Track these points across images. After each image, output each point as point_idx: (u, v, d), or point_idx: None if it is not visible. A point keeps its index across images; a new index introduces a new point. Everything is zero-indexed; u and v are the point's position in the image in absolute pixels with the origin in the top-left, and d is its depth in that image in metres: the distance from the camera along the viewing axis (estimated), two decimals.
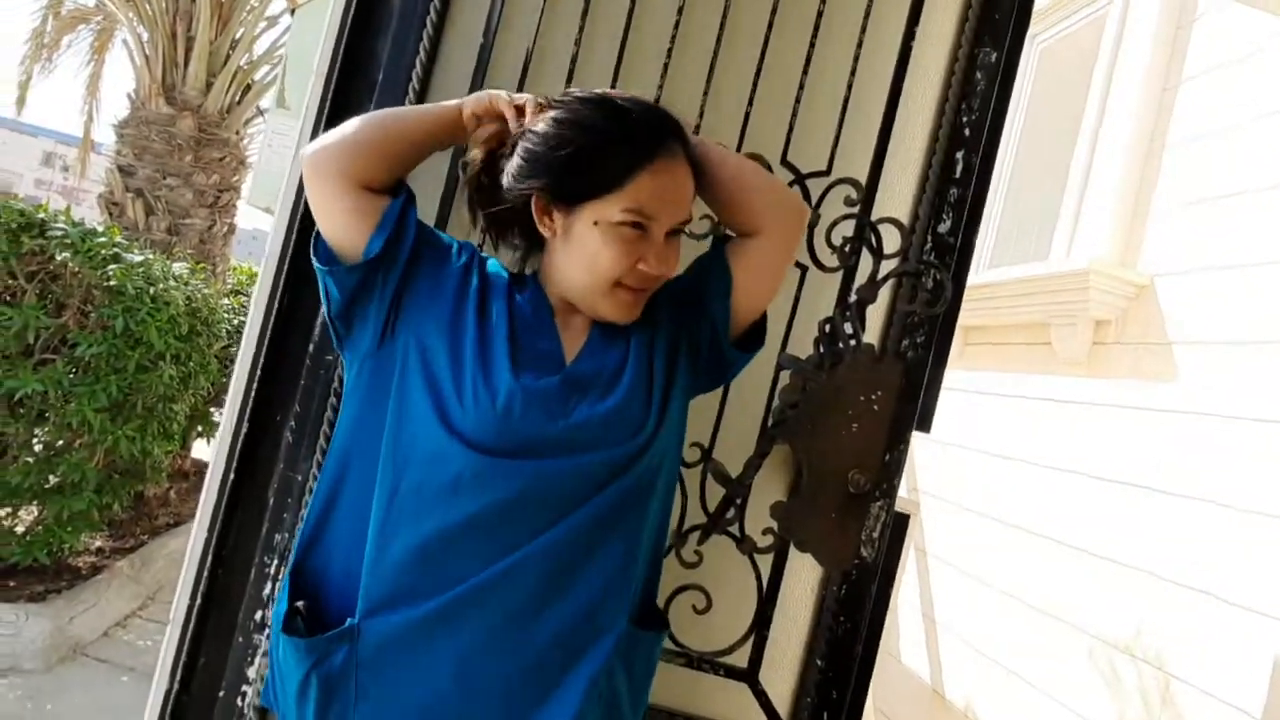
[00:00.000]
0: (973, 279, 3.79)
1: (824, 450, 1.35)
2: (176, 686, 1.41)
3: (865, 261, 1.39)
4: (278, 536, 1.39)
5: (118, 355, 3.14)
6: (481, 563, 0.95)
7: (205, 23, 5.67)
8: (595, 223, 0.98)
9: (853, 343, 1.36)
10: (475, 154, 1.07)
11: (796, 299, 1.40)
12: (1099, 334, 3.14)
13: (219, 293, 4.33)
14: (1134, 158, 3.18)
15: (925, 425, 1.42)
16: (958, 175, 1.41)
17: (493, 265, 1.09)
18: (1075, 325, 3.15)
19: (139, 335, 3.20)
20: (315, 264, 1.02)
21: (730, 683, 1.41)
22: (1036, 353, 3.44)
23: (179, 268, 3.76)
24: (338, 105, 1.42)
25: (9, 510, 3.33)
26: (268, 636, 1.38)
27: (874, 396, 1.36)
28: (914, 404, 1.39)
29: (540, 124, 1.00)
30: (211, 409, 4.36)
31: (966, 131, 1.42)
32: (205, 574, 1.41)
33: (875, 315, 1.44)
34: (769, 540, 1.38)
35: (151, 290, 3.28)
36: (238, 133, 6.12)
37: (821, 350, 1.37)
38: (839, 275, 1.40)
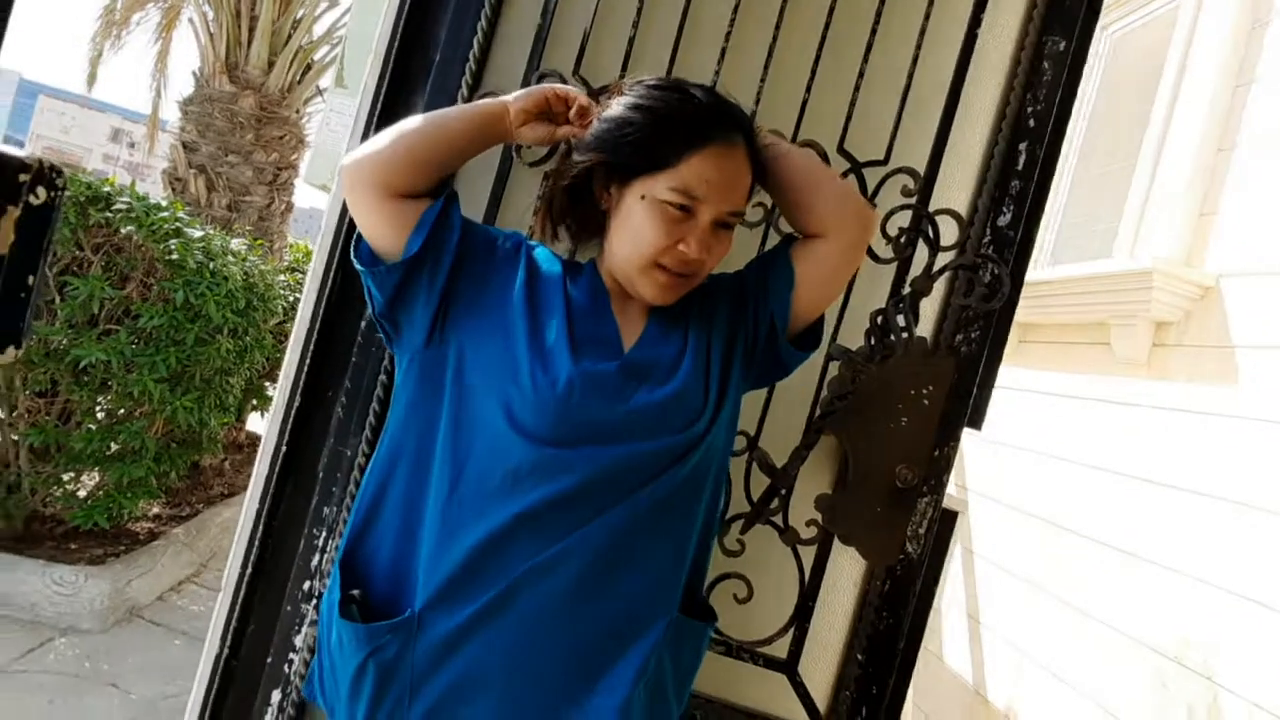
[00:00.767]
0: (1031, 275, 3.71)
1: (872, 443, 1.34)
2: (226, 652, 1.45)
3: (921, 253, 1.36)
4: (326, 510, 1.42)
5: (177, 327, 3.23)
6: (539, 550, 0.95)
7: (268, 3, 5.77)
8: (643, 197, 0.98)
9: (905, 335, 1.34)
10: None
11: (849, 289, 1.38)
12: (1160, 335, 3.05)
13: (275, 269, 4.42)
14: (1203, 155, 3.07)
15: (977, 422, 1.39)
16: (1020, 167, 1.37)
17: (542, 253, 1.09)
18: (1135, 326, 3.06)
19: (198, 308, 3.28)
20: (356, 265, 1.02)
21: (769, 673, 1.40)
22: (1094, 353, 3.35)
23: (237, 243, 3.84)
24: (395, 85, 1.43)
25: (72, 475, 3.45)
26: (315, 608, 1.41)
27: (925, 391, 1.33)
28: (966, 400, 1.37)
29: (612, 108, 1.01)
30: (266, 383, 4.46)
31: (1031, 122, 1.38)
32: (256, 544, 1.45)
33: (930, 308, 1.41)
34: (812, 532, 1.37)
35: (211, 265, 3.36)
36: (297, 111, 6.23)
37: (873, 342, 1.35)
38: (894, 266, 1.38)
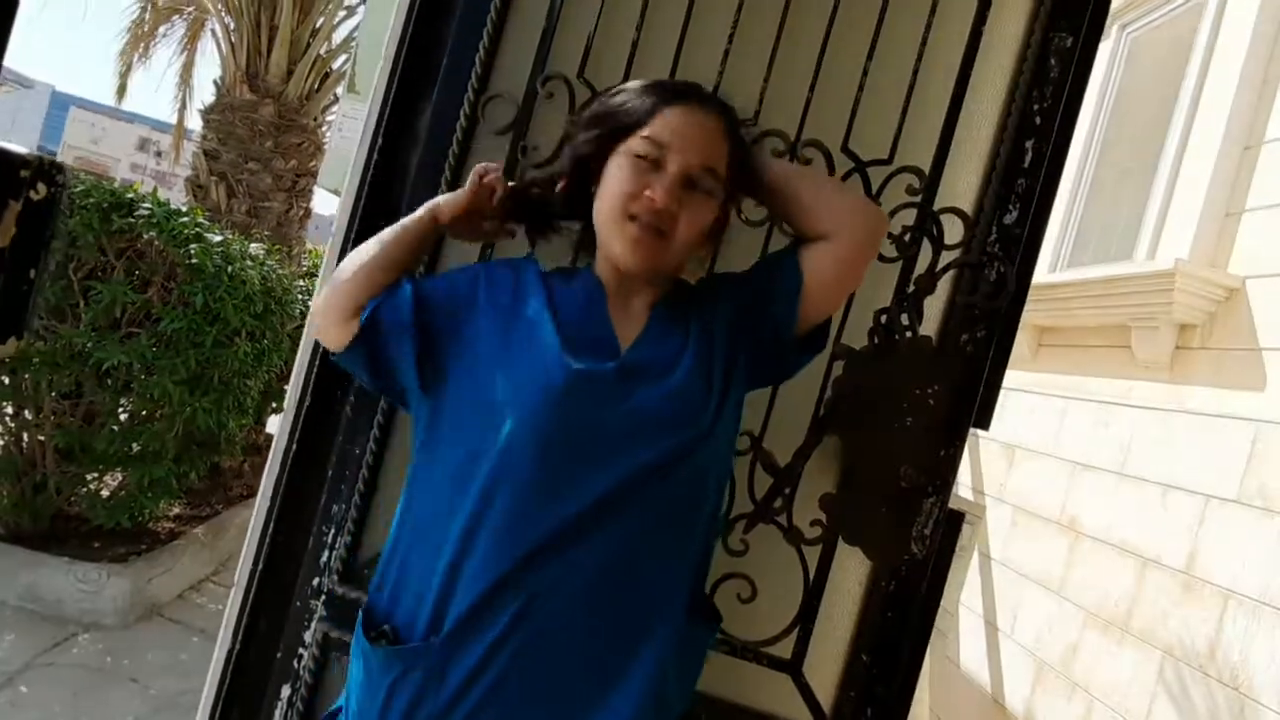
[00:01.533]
0: (1050, 278, 3.67)
1: (876, 443, 1.33)
2: (238, 646, 1.47)
3: (926, 252, 1.36)
4: (335, 507, 1.43)
5: (197, 331, 3.28)
6: (553, 565, 0.96)
7: (288, 12, 5.86)
8: (618, 156, 1.02)
9: (909, 335, 1.33)
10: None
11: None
12: (1183, 338, 3.01)
13: (293, 274, 4.47)
14: (1228, 154, 3.03)
15: (984, 422, 1.38)
16: (1026, 165, 1.36)
17: (528, 267, 1.11)
18: (1158, 328, 3.03)
19: (217, 312, 3.33)
20: (334, 359, 1.11)
21: (773, 673, 1.40)
22: (1115, 356, 3.31)
23: (255, 248, 3.90)
24: (404, 89, 1.44)
25: (96, 475, 3.50)
26: (324, 604, 1.42)
27: (930, 390, 1.33)
28: (972, 400, 1.36)
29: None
30: (284, 386, 4.51)
31: (1037, 120, 1.37)
32: (267, 540, 1.47)
33: (935, 308, 1.40)
34: (817, 532, 1.37)
35: (230, 269, 3.41)
36: (315, 119, 6.31)
37: (877, 341, 1.34)
38: (898, 265, 1.37)
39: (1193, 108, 3.24)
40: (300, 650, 1.44)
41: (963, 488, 4.06)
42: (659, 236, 1.01)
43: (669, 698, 1.04)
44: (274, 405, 4.46)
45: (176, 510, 4.15)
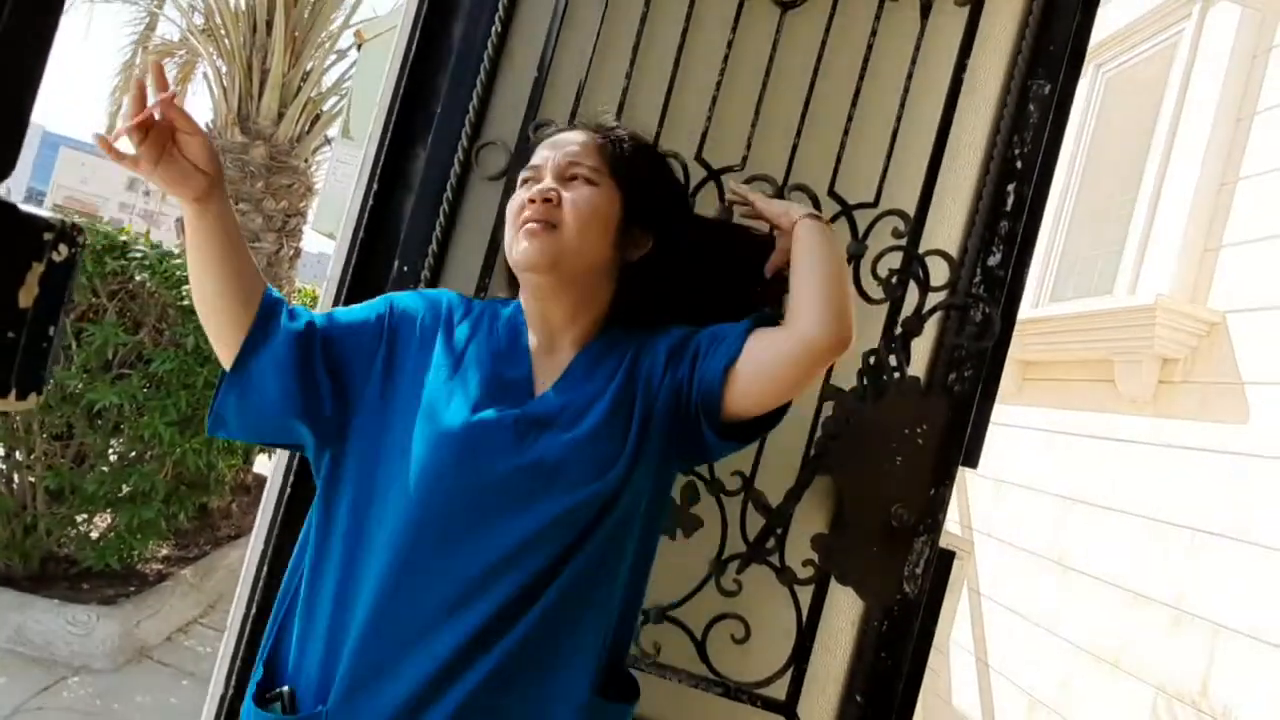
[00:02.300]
0: (1033, 313, 3.72)
1: (866, 483, 1.35)
2: (231, 692, 1.45)
3: (912, 294, 1.39)
4: None
5: (188, 371, 3.28)
6: (445, 642, 0.91)
7: (279, 56, 5.93)
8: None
9: (897, 375, 1.35)
10: None
11: None
12: (1165, 372, 3.04)
13: None
14: (1205, 190, 3.09)
15: (972, 461, 1.40)
16: (1009, 208, 1.40)
17: (447, 300, 1.09)
18: (1140, 363, 3.06)
19: (208, 353, 3.33)
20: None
21: (768, 715, 1.39)
22: (1099, 390, 3.34)
23: None
24: (399, 136, 1.47)
25: (86, 516, 3.48)
26: None
27: (919, 430, 1.34)
28: (960, 439, 1.37)
29: None
30: None
31: (1018, 164, 1.40)
32: (260, 585, 1.46)
33: (923, 349, 1.42)
34: (809, 572, 1.38)
35: None
36: (306, 161, 6.36)
37: (865, 382, 1.36)
38: (885, 307, 1.40)
39: (1168, 145, 3.32)
40: None
41: (951, 523, 4.07)
42: (549, 229, 1.00)
43: None
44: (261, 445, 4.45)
45: (165, 551, 4.12)
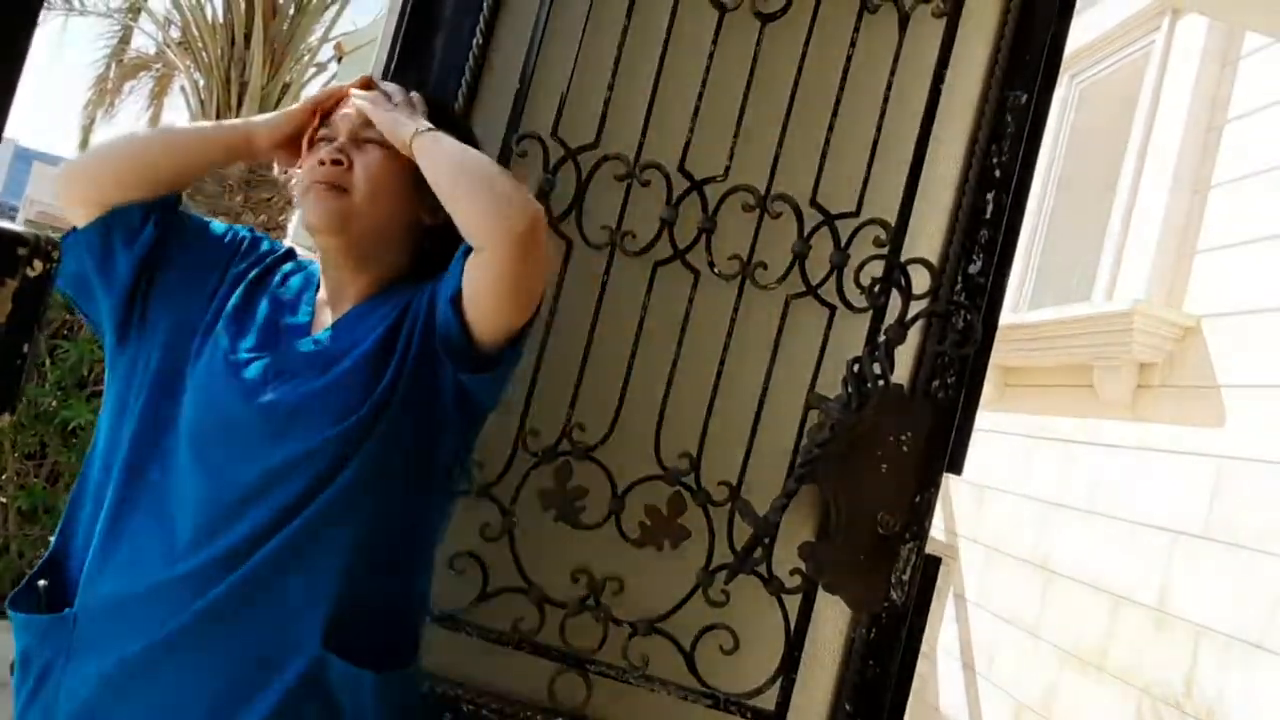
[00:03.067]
0: (1013, 319, 3.76)
1: (852, 491, 1.35)
2: None
3: (895, 302, 1.39)
4: None
5: None
6: (196, 549, 0.93)
7: (258, 69, 5.91)
8: None
9: (881, 383, 1.36)
10: None
11: (825, 338, 1.40)
12: (1143, 376, 3.08)
13: None
14: (1178, 197, 3.14)
15: (956, 467, 1.41)
16: (988, 216, 1.41)
17: (272, 246, 1.11)
18: (1119, 368, 3.10)
19: None
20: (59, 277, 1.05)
21: None
22: (1079, 395, 3.38)
23: None
24: None
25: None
26: None
27: (904, 437, 1.35)
28: (944, 445, 1.38)
29: None
30: None
31: (996, 173, 1.42)
32: None
33: (905, 356, 1.43)
34: (797, 581, 1.37)
35: None
36: (285, 174, 6.32)
37: (850, 390, 1.37)
38: (868, 315, 1.40)
39: (1142, 153, 3.37)
40: None
41: (935, 529, 4.08)
42: (339, 192, 1.00)
43: None
44: None
45: None
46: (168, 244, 1.04)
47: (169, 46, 6.29)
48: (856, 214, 1.40)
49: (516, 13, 1.45)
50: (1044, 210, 4.06)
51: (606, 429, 1.39)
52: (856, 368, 1.37)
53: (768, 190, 1.41)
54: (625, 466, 1.39)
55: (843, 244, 1.40)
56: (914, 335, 1.42)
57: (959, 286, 1.41)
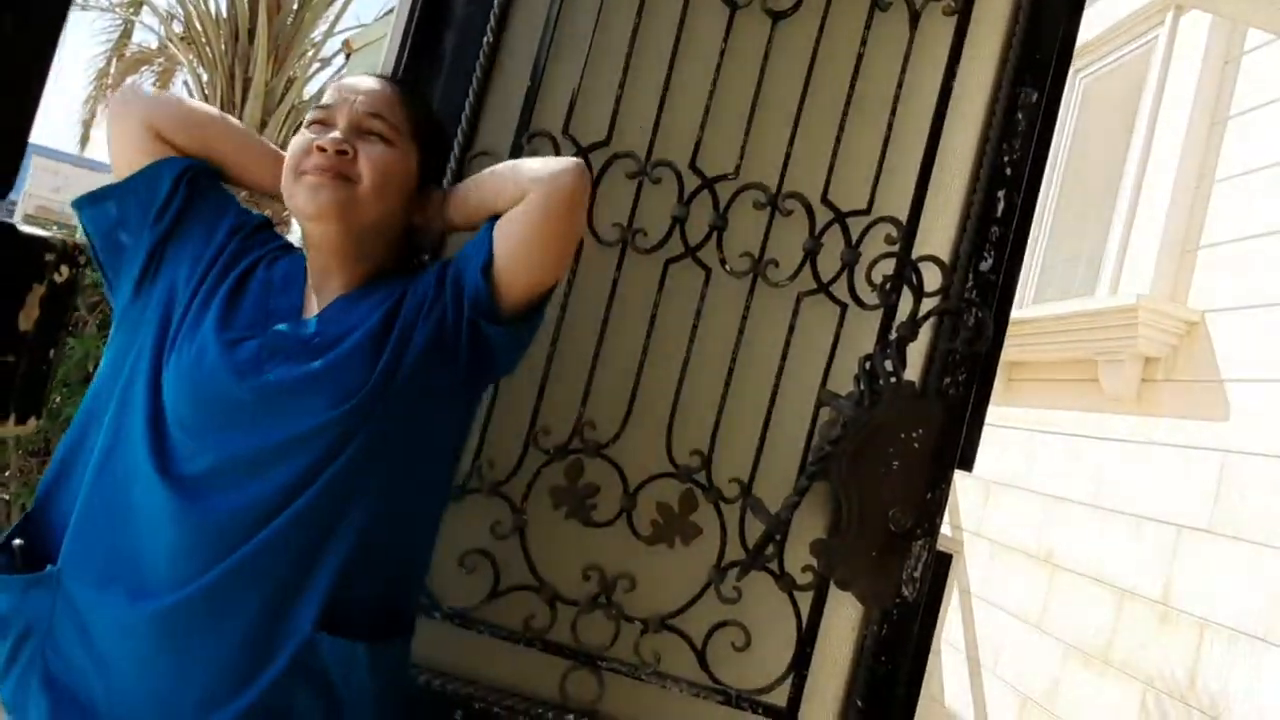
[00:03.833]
0: (1017, 314, 3.76)
1: (864, 488, 1.35)
2: None
3: (906, 300, 1.39)
4: None
5: None
6: (169, 551, 0.93)
7: (262, 64, 5.89)
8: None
9: (893, 380, 1.36)
10: None
11: (837, 336, 1.40)
12: (1148, 371, 3.09)
13: None
14: (1182, 192, 3.14)
15: (967, 464, 1.41)
16: (999, 214, 1.41)
17: (269, 231, 1.13)
18: (1123, 362, 3.10)
19: None
20: (83, 204, 1.06)
21: None
22: (1083, 390, 3.38)
23: None
24: None
25: None
26: None
27: (915, 434, 1.35)
28: (955, 442, 1.39)
29: None
30: None
31: (1008, 171, 1.42)
32: None
33: (917, 353, 1.43)
34: (809, 578, 1.38)
35: None
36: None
37: (861, 388, 1.37)
38: (880, 313, 1.40)
39: (1146, 149, 3.36)
40: None
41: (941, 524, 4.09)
42: (343, 180, 1.00)
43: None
44: None
45: None
46: (198, 206, 1.06)
47: (171, 41, 6.27)
48: (868, 211, 1.40)
49: (527, 10, 1.45)
50: (1048, 205, 4.06)
51: (618, 426, 1.39)
52: (868, 365, 1.37)
53: (779, 188, 1.41)
54: (636, 464, 1.40)
55: (854, 241, 1.40)
56: (925, 333, 1.42)
57: (970, 284, 1.41)
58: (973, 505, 3.93)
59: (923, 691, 3.79)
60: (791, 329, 1.41)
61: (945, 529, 4.02)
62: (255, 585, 0.94)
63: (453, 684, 1.37)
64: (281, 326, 1.00)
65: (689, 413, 1.40)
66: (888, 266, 1.40)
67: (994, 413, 3.78)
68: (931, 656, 3.84)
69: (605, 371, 1.40)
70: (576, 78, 1.42)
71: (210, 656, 0.93)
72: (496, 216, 1.07)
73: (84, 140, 9.11)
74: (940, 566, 1.39)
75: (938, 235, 1.44)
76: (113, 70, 8.24)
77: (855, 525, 1.36)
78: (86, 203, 1.04)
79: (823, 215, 1.41)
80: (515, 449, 1.39)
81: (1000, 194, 1.41)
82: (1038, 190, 1.44)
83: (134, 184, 1.03)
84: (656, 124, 1.41)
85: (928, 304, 1.39)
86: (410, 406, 1.01)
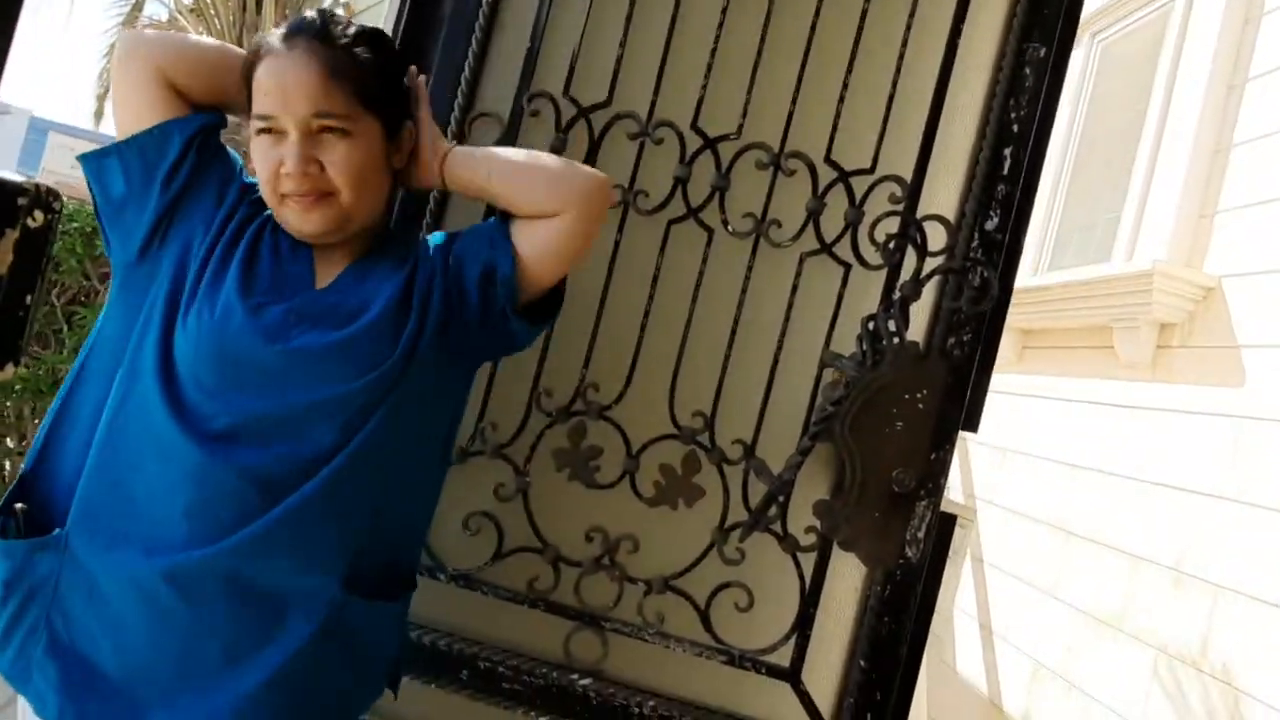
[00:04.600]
0: (1031, 281, 3.72)
1: (867, 449, 1.34)
2: None
3: (910, 260, 1.38)
4: None
5: None
6: (190, 510, 0.93)
7: None
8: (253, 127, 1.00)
9: (896, 341, 1.35)
10: None
11: (840, 296, 1.39)
12: (1163, 337, 3.05)
13: None
14: (1200, 156, 3.08)
15: (972, 425, 1.40)
16: (1005, 172, 1.39)
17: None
18: (1138, 328, 3.06)
19: None
20: (89, 159, 1.03)
21: (772, 682, 1.40)
22: (1098, 357, 3.35)
23: None
24: None
25: None
26: None
27: (919, 395, 1.34)
28: (960, 403, 1.38)
29: None
30: None
31: (1014, 128, 1.39)
32: None
33: (921, 314, 1.42)
34: (812, 539, 1.38)
35: None
36: None
37: (865, 348, 1.36)
38: (883, 273, 1.39)
39: (1164, 112, 3.30)
40: None
41: (954, 491, 4.09)
42: (325, 198, 0.98)
43: (321, 681, 1.00)
44: None
45: None
46: (208, 169, 1.04)
47: (181, 13, 6.26)
48: (872, 171, 1.39)
49: None
50: (1064, 172, 3.99)
51: (620, 388, 1.39)
52: (871, 325, 1.36)
53: (781, 147, 1.39)
54: (639, 426, 1.40)
55: (858, 201, 1.39)
56: (929, 292, 1.41)
57: (975, 243, 1.39)
58: (986, 472, 3.91)
59: (936, 658, 3.80)
60: (794, 289, 1.40)
61: (958, 495, 4.01)
62: (282, 549, 0.95)
63: (458, 644, 1.39)
64: (304, 294, 1.01)
65: (691, 374, 1.40)
66: (891, 226, 1.38)
67: (1008, 380, 3.77)
68: (944, 623, 3.85)
69: (607, 333, 1.40)
70: (577, 38, 1.40)
71: (233, 615, 0.95)
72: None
73: (99, 114, 9.12)
74: (945, 527, 1.38)
75: (943, 194, 1.43)
76: None
77: (858, 486, 1.35)
78: (92, 157, 1.03)
79: (826, 175, 1.39)
80: (518, 412, 1.39)
81: (1007, 151, 1.39)
82: (1045, 148, 1.41)
83: (142, 142, 1.02)
84: (658, 84, 1.40)
85: (932, 263, 1.37)
86: (428, 377, 1.04)
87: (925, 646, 1.43)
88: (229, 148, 1.12)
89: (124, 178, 1.02)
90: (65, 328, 3.14)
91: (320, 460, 0.96)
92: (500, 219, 1.11)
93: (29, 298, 0.52)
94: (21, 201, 0.50)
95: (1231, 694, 2.42)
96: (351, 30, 1.02)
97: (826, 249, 1.39)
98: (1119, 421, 3.14)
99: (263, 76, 0.98)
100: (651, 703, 1.39)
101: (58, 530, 0.97)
